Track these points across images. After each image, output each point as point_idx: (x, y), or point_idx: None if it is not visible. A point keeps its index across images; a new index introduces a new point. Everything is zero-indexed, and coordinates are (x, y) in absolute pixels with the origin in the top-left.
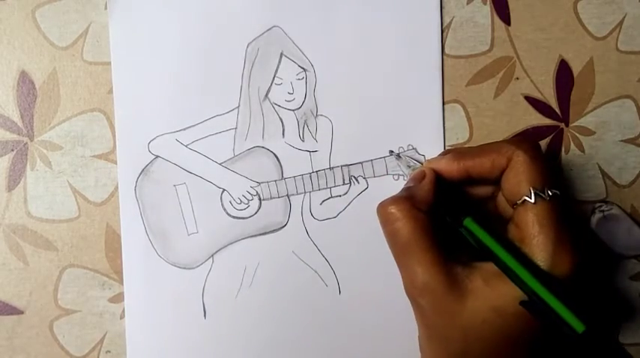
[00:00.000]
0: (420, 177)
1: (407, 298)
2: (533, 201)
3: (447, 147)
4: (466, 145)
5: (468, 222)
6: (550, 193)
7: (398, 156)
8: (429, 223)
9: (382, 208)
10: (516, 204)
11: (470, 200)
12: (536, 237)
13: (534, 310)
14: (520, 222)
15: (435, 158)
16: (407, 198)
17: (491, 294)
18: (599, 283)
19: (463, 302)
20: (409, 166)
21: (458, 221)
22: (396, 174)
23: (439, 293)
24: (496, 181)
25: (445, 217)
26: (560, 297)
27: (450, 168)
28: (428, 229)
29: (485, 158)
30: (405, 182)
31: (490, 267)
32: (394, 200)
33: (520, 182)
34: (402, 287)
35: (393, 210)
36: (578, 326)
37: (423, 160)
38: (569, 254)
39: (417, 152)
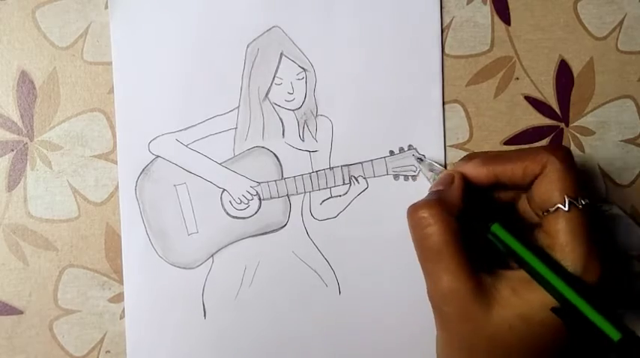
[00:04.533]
0: (449, 181)
1: (407, 298)
2: (567, 209)
3: (447, 147)
4: (466, 145)
5: (496, 228)
6: (583, 202)
7: (420, 159)
8: (459, 229)
9: (413, 211)
10: (547, 211)
11: (492, 205)
12: (568, 245)
13: (566, 317)
14: (551, 229)
15: (461, 162)
16: (438, 202)
17: (518, 302)
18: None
19: (490, 311)
20: (431, 170)
21: (485, 227)
22: (396, 174)
23: (466, 301)
24: (523, 187)
25: (471, 223)
26: (594, 305)
27: (478, 172)
28: (458, 236)
29: (517, 164)
30: (431, 185)
31: (517, 274)
32: (426, 203)
33: (553, 190)
34: (402, 286)
35: (424, 215)
36: (614, 335)
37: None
38: (598, 263)
39: (417, 152)
